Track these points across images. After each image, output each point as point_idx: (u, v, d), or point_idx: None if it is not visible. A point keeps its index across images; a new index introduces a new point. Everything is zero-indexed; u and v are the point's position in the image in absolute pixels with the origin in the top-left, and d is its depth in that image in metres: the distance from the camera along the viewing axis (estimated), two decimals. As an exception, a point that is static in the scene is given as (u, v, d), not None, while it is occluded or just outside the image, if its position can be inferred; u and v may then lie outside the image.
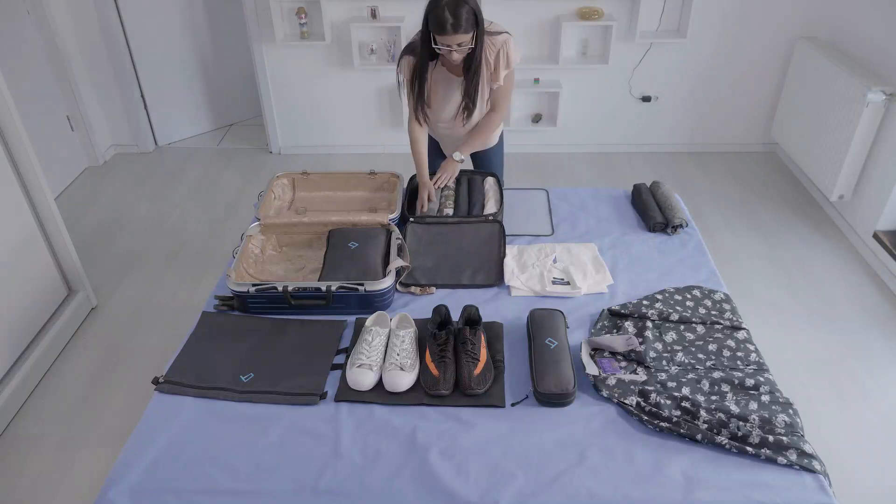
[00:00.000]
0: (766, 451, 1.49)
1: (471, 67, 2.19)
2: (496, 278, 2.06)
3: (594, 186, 3.99)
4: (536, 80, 4.06)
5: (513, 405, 1.64)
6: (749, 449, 1.50)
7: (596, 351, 1.77)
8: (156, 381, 1.69)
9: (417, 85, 2.26)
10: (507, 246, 2.19)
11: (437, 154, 2.67)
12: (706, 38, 3.98)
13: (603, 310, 1.92)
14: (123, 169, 4.30)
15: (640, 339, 1.79)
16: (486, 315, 1.93)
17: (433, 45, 2.10)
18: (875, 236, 3.23)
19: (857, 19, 3.48)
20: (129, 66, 4.18)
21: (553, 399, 1.61)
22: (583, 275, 2.06)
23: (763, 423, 1.53)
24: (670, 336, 1.80)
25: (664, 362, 1.73)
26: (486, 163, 2.65)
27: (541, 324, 1.79)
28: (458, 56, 2.12)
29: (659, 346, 1.77)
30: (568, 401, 1.62)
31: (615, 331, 1.85)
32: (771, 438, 1.50)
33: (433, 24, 2.03)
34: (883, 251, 3.16)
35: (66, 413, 2.53)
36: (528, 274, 2.07)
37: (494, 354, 1.76)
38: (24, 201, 2.65)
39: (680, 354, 1.75)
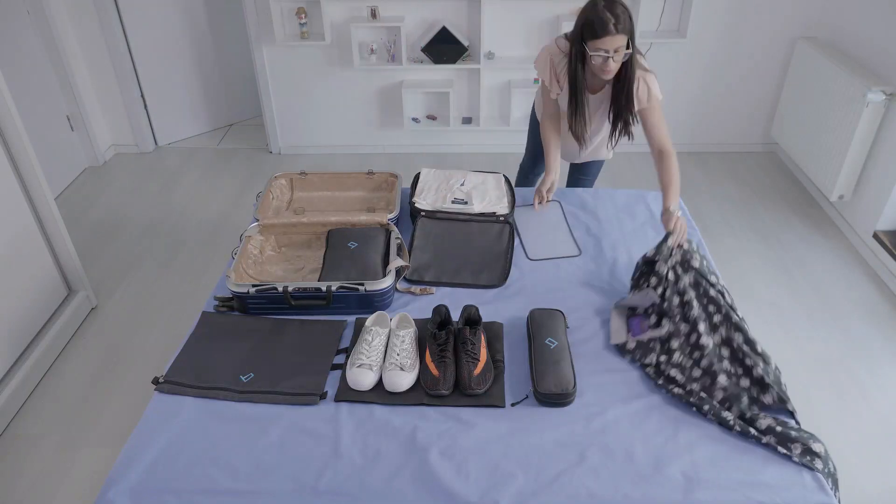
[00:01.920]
0: (770, 439, 1.49)
1: (624, 79, 2.09)
2: (500, 279, 2.06)
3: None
4: (536, 80, 4.06)
5: (513, 405, 1.64)
6: (753, 431, 1.49)
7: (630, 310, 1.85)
8: (156, 381, 1.69)
9: (573, 97, 2.18)
10: (425, 169, 2.50)
11: (542, 154, 2.61)
12: (706, 38, 3.98)
13: (637, 262, 1.97)
14: (123, 169, 4.30)
15: (662, 290, 1.82)
16: (486, 315, 1.93)
17: (590, 54, 2.00)
18: (875, 236, 3.23)
19: (857, 19, 3.48)
20: (129, 66, 4.18)
21: (553, 399, 1.61)
22: (481, 198, 2.32)
23: (777, 411, 1.56)
24: (685, 284, 1.84)
25: (683, 312, 1.78)
26: (587, 169, 2.67)
27: (541, 324, 1.79)
28: (613, 66, 2.00)
29: (676, 299, 1.81)
30: (568, 401, 1.62)
31: (646, 285, 1.88)
32: (779, 428, 1.50)
33: (591, 28, 1.95)
34: (883, 251, 3.16)
35: (66, 413, 2.53)
36: (434, 196, 2.35)
37: (494, 354, 1.76)
38: (24, 201, 2.65)
39: (695, 307, 1.79)
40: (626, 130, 2.24)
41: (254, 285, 1.87)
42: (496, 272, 2.09)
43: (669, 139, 2.21)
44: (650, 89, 2.13)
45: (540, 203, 2.42)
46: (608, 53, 1.98)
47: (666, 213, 2.07)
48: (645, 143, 4.39)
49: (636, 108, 2.16)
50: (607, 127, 2.32)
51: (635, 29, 2.02)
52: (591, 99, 2.26)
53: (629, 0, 3.83)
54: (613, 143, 2.34)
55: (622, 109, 2.18)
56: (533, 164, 2.79)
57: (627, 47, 1.99)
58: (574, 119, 2.23)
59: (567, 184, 2.82)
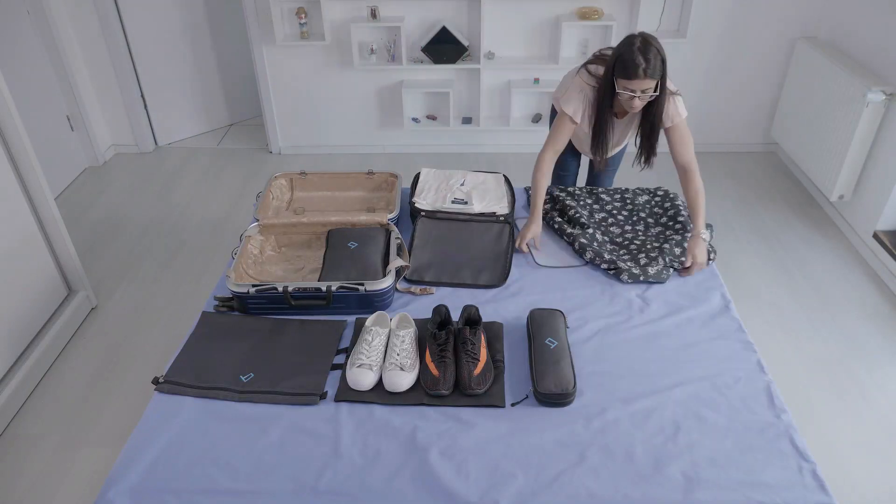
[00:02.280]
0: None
1: (652, 115, 2.15)
2: (500, 279, 2.06)
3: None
4: (536, 80, 4.06)
5: (513, 405, 1.64)
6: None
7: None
8: (156, 381, 1.70)
9: (597, 134, 2.24)
10: (425, 168, 2.51)
11: (567, 152, 2.66)
12: (706, 38, 3.98)
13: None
14: (123, 169, 4.30)
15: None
16: (486, 315, 1.93)
17: (617, 90, 2.06)
18: (875, 236, 3.23)
19: (857, 19, 3.48)
20: (129, 66, 4.18)
21: (553, 399, 1.62)
22: (481, 198, 2.33)
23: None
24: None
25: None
26: (609, 162, 2.68)
27: (541, 324, 1.79)
28: (639, 104, 2.07)
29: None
30: (568, 401, 1.62)
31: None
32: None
33: (622, 66, 2.00)
34: (883, 251, 3.16)
35: (66, 413, 2.53)
36: (434, 196, 2.34)
37: (494, 354, 1.76)
38: (24, 201, 2.65)
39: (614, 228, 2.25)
40: (648, 159, 2.30)
41: (254, 285, 1.87)
42: (496, 272, 2.09)
43: (694, 157, 2.26)
44: (676, 110, 2.18)
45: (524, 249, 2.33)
46: (635, 93, 2.04)
47: (695, 239, 2.11)
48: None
49: (664, 126, 2.21)
50: (626, 135, 2.41)
51: (667, 69, 2.07)
52: (616, 123, 2.33)
53: (630, 4, 3.84)
54: (638, 162, 2.35)
55: (646, 139, 2.25)
56: (559, 166, 2.80)
57: (656, 89, 2.05)
58: (595, 143, 2.28)
59: (587, 181, 2.82)
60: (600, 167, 2.48)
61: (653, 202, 2.41)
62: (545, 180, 2.28)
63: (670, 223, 2.30)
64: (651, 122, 2.19)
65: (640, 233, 2.26)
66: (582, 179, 3.60)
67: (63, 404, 2.56)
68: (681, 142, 2.22)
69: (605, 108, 2.18)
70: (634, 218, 2.34)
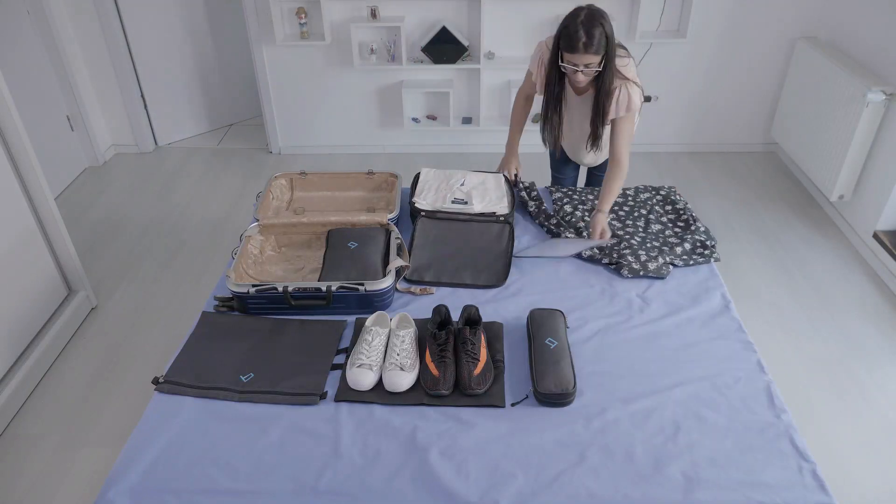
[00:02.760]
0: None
1: (599, 94, 2.14)
2: (500, 279, 2.06)
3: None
4: (536, 80, 4.05)
5: (513, 405, 1.64)
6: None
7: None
8: (156, 381, 1.69)
9: (548, 105, 2.28)
10: (425, 168, 2.51)
11: (563, 162, 2.71)
12: (706, 38, 3.98)
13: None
14: (123, 169, 4.30)
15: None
16: (486, 315, 1.93)
17: (560, 63, 2.08)
18: (875, 236, 3.23)
19: (857, 19, 3.48)
20: (129, 66, 4.18)
21: (553, 399, 1.61)
22: (481, 198, 2.32)
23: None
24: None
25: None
26: (604, 168, 2.67)
27: (541, 324, 1.79)
28: (583, 78, 2.08)
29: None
30: (568, 401, 1.62)
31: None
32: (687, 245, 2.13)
33: (565, 39, 2.01)
34: (883, 251, 3.16)
35: (66, 413, 2.53)
36: (434, 196, 2.34)
37: (494, 354, 1.76)
38: (24, 201, 2.65)
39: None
40: (594, 140, 2.28)
41: (254, 285, 1.87)
42: (496, 272, 2.09)
43: (628, 154, 2.24)
44: (629, 101, 2.15)
45: (513, 176, 2.55)
46: (577, 67, 2.04)
47: (600, 214, 2.19)
48: (648, 144, 4.40)
49: (611, 116, 2.19)
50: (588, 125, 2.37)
51: (613, 44, 2.04)
52: (576, 100, 2.32)
53: (630, 4, 3.84)
54: (588, 148, 2.35)
55: (595, 119, 2.22)
56: (556, 163, 2.80)
57: (600, 65, 2.04)
58: (546, 113, 2.29)
59: (586, 184, 2.83)
60: (555, 147, 2.42)
61: (654, 200, 2.41)
62: (516, 117, 2.55)
63: (670, 222, 2.30)
64: (599, 101, 2.16)
65: (640, 228, 2.27)
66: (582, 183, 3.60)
67: (63, 404, 2.56)
68: (617, 136, 2.22)
69: (553, 77, 2.17)
70: (636, 214, 2.35)
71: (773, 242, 3.45)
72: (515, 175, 2.53)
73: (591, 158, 2.60)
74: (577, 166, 2.75)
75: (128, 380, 2.67)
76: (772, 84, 4.14)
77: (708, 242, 2.16)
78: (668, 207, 2.38)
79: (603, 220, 2.18)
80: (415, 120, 4.28)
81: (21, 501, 2.20)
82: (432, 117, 4.28)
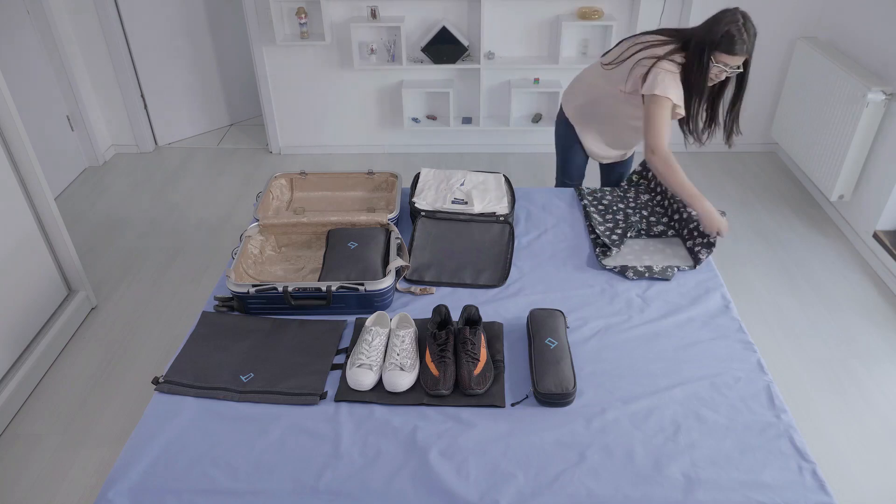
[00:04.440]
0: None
1: (741, 88, 2.24)
2: (500, 279, 2.06)
3: (594, 186, 3.98)
4: (536, 80, 4.06)
5: (513, 405, 1.64)
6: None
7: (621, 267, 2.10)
8: (156, 381, 1.69)
9: (690, 112, 2.24)
10: (425, 168, 2.51)
11: (569, 148, 2.67)
12: (706, 38, 3.98)
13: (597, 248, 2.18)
14: (123, 169, 4.30)
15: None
16: (486, 315, 1.93)
17: (714, 63, 2.11)
18: (875, 236, 3.23)
19: (857, 19, 3.48)
20: (129, 66, 4.18)
21: (553, 399, 1.61)
22: (482, 198, 2.33)
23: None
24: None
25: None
26: (619, 167, 2.71)
27: (541, 324, 1.79)
28: (724, 76, 2.17)
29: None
30: (568, 401, 1.62)
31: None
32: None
33: (728, 42, 2.06)
34: (883, 251, 3.16)
35: (66, 413, 2.53)
36: (434, 196, 2.35)
37: (494, 354, 1.76)
38: (24, 201, 2.65)
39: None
40: (730, 136, 2.35)
41: (254, 285, 1.87)
42: (496, 272, 2.09)
43: (663, 140, 2.25)
44: (656, 80, 2.19)
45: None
46: (732, 68, 2.11)
47: (702, 211, 2.11)
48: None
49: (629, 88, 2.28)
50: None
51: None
52: (631, 101, 2.36)
53: (630, 4, 3.84)
54: (724, 139, 2.41)
55: (733, 115, 2.31)
56: (563, 174, 2.81)
57: (742, 66, 2.14)
58: (689, 121, 2.29)
59: (602, 179, 2.82)
60: (700, 142, 2.38)
61: (653, 202, 2.41)
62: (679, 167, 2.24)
63: (653, 215, 2.33)
64: (739, 97, 2.25)
65: (619, 222, 2.29)
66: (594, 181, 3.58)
67: (63, 404, 2.56)
68: (647, 128, 2.29)
69: (702, 80, 2.18)
70: (614, 208, 2.38)
71: (773, 242, 3.45)
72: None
73: (616, 154, 2.65)
74: (587, 158, 2.74)
75: (128, 380, 2.67)
76: (772, 84, 4.14)
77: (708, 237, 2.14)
78: (647, 197, 2.40)
79: (711, 211, 2.08)
80: (415, 120, 4.28)
81: (21, 501, 2.20)
82: (432, 117, 4.28)
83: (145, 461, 1.50)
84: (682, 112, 2.24)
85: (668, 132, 2.22)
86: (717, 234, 2.08)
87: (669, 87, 2.17)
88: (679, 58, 2.20)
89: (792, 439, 1.54)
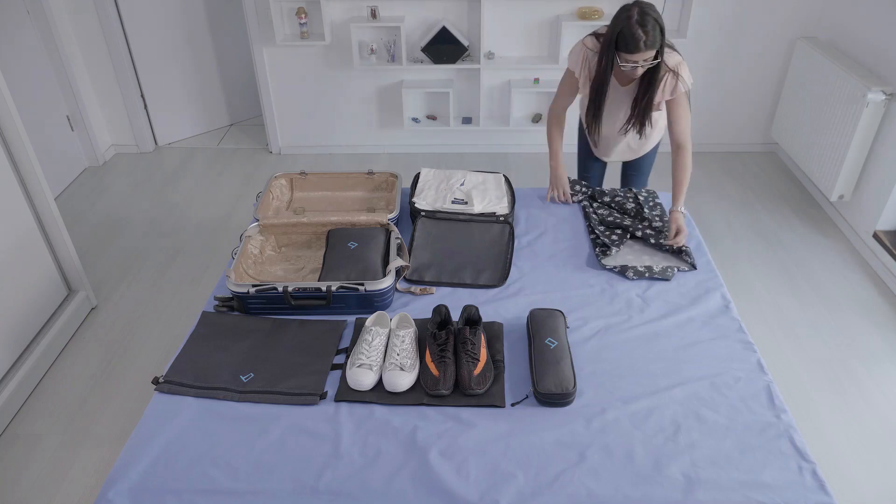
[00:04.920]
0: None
1: (651, 84, 2.17)
2: (500, 279, 2.06)
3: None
4: (536, 81, 4.06)
5: (513, 405, 1.64)
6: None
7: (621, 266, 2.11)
8: (156, 381, 1.70)
9: (594, 96, 2.25)
10: (425, 168, 2.52)
11: (586, 155, 2.72)
12: (706, 38, 3.98)
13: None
14: (123, 169, 4.30)
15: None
16: (486, 315, 1.93)
17: (620, 63, 2.09)
18: (875, 236, 3.23)
19: (857, 19, 3.48)
20: (129, 66, 4.18)
21: (553, 399, 1.61)
22: (482, 198, 2.33)
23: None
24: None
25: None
26: (638, 165, 2.69)
27: (541, 324, 1.79)
28: (641, 70, 2.11)
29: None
30: (568, 401, 1.62)
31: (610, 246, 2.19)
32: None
33: (623, 41, 2.02)
34: (883, 251, 3.16)
35: (66, 413, 2.53)
36: (434, 196, 2.35)
37: (494, 354, 1.76)
38: (24, 201, 2.65)
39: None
40: (641, 127, 2.31)
41: (254, 285, 1.87)
42: (496, 272, 2.09)
43: (689, 134, 2.28)
44: (677, 83, 2.19)
45: (562, 200, 2.46)
46: (637, 64, 2.07)
47: (675, 214, 2.19)
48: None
49: (663, 98, 2.23)
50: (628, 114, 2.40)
51: (664, 31, 2.07)
52: (621, 91, 2.33)
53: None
54: (625, 130, 2.38)
55: (642, 108, 2.25)
56: (584, 161, 2.83)
57: (655, 57, 2.08)
58: (592, 109, 2.30)
59: (621, 182, 2.83)
60: (594, 141, 2.48)
61: (644, 208, 2.39)
62: (556, 130, 2.46)
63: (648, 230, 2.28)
64: (647, 91, 2.20)
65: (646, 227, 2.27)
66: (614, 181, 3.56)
67: (63, 404, 2.56)
68: (676, 117, 2.26)
69: (605, 77, 2.19)
70: (611, 217, 2.35)
71: (773, 242, 3.45)
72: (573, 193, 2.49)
73: (620, 155, 2.63)
74: (605, 164, 2.76)
75: (128, 380, 2.67)
76: (772, 84, 4.14)
77: (684, 248, 2.16)
78: (657, 210, 2.36)
79: (680, 219, 2.17)
80: (415, 120, 4.28)
81: (21, 501, 2.20)
82: (432, 117, 4.28)
83: (145, 461, 1.50)
84: (577, 77, 2.31)
85: (561, 96, 2.41)
86: (560, 197, 2.36)
87: (571, 54, 2.30)
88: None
89: (792, 439, 1.54)
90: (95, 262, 3.39)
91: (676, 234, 2.15)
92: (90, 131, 4.21)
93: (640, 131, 2.32)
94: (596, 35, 2.24)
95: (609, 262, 2.12)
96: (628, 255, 2.16)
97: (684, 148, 2.27)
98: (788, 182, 4.02)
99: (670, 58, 2.17)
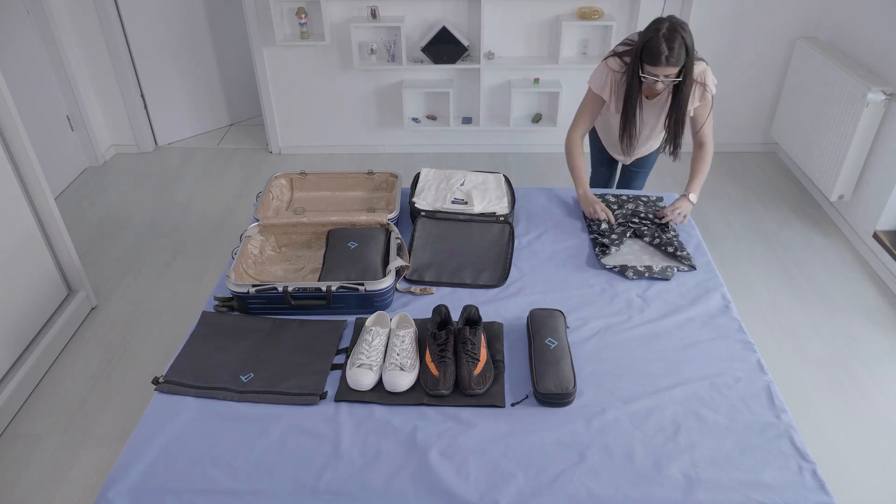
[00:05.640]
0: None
1: (678, 101, 2.20)
2: (500, 279, 2.06)
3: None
4: (536, 80, 4.06)
5: (513, 405, 1.64)
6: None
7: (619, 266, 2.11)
8: (156, 381, 1.70)
9: (625, 116, 2.26)
10: (425, 168, 2.51)
11: (599, 161, 2.75)
12: (706, 38, 3.98)
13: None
14: (123, 169, 4.30)
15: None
16: (486, 315, 1.93)
17: (640, 74, 2.11)
18: (875, 236, 3.23)
19: (857, 19, 3.48)
20: (129, 66, 4.18)
21: (553, 399, 1.62)
22: (482, 198, 2.33)
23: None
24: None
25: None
26: (643, 163, 2.72)
27: (541, 324, 1.79)
28: (662, 87, 2.13)
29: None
30: (568, 401, 1.62)
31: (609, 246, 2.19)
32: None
33: (647, 53, 2.04)
34: (883, 251, 3.16)
35: (66, 413, 2.53)
36: (434, 196, 2.35)
37: (494, 354, 1.76)
38: (24, 201, 2.65)
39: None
40: (674, 150, 2.34)
41: (254, 285, 1.87)
42: (496, 272, 2.09)
43: (712, 135, 2.37)
44: (704, 91, 2.25)
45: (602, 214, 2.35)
46: (658, 78, 2.09)
47: (684, 198, 2.32)
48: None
49: (692, 108, 2.29)
50: (657, 124, 2.44)
51: (693, 54, 2.09)
52: (646, 103, 2.35)
53: (630, 4, 3.84)
54: (664, 150, 2.44)
55: (672, 126, 2.27)
56: (594, 162, 2.85)
57: (679, 75, 2.10)
58: (624, 126, 2.30)
59: (618, 183, 2.83)
60: (628, 154, 2.48)
61: (640, 210, 2.38)
62: (581, 158, 2.41)
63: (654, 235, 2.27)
64: (677, 109, 2.22)
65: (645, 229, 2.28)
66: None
67: (63, 404, 2.56)
68: (699, 119, 2.33)
69: (633, 90, 2.20)
70: (619, 225, 2.32)
71: (773, 242, 3.45)
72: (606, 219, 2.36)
73: (637, 154, 2.65)
74: (613, 166, 2.76)
75: (128, 380, 2.67)
76: (772, 84, 4.14)
77: (679, 253, 2.15)
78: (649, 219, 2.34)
79: (688, 206, 2.31)
80: (415, 120, 4.28)
81: (21, 501, 2.20)
82: (432, 117, 4.28)
83: (145, 461, 1.50)
84: (605, 101, 2.31)
85: (583, 122, 2.38)
86: (595, 215, 2.28)
87: (596, 78, 2.29)
88: (629, 58, 2.21)
89: (792, 439, 1.54)
90: (95, 262, 3.39)
91: (675, 211, 2.27)
92: (90, 131, 4.21)
93: (675, 151, 2.34)
94: (618, 55, 2.24)
95: (609, 261, 2.12)
96: (628, 254, 2.16)
97: (707, 146, 2.37)
98: (788, 182, 4.02)
99: (696, 67, 2.20)
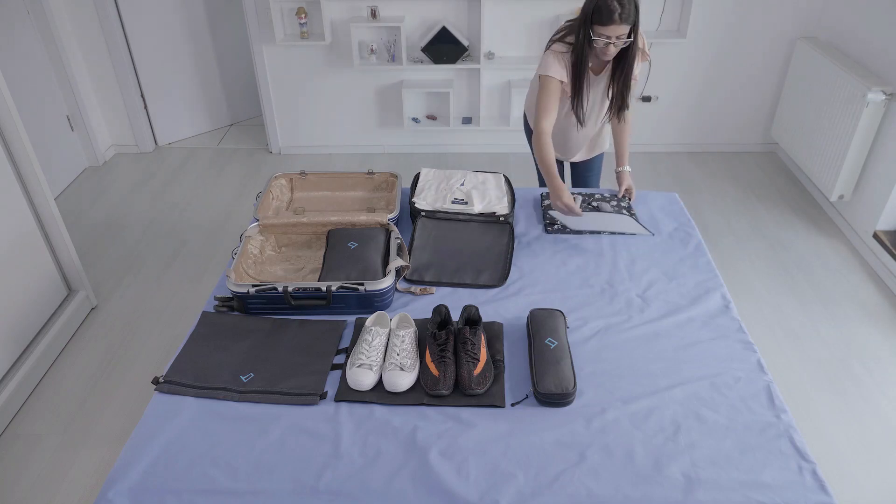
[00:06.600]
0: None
1: (624, 63, 2.22)
2: (500, 279, 2.06)
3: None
4: (536, 80, 4.06)
5: (513, 405, 1.64)
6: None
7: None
8: (156, 381, 1.69)
9: (576, 89, 2.27)
10: (425, 168, 2.52)
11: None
12: (706, 38, 3.98)
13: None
14: (123, 169, 4.30)
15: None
16: (486, 315, 1.93)
17: (593, 37, 2.11)
18: (875, 236, 3.23)
19: (857, 19, 3.48)
20: (129, 66, 4.18)
21: (553, 399, 1.61)
22: (481, 198, 2.34)
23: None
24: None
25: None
26: (591, 166, 2.74)
27: (541, 324, 1.79)
28: (613, 50, 2.14)
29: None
30: (568, 401, 1.62)
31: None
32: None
33: (598, 13, 2.06)
34: (883, 251, 3.16)
35: (66, 413, 2.53)
36: (434, 196, 2.35)
37: (494, 354, 1.76)
38: (24, 201, 2.65)
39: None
40: (620, 111, 2.38)
41: (254, 285, 1.87)
42: (496, 272, 2.09)
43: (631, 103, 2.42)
44: (644, 56, 2.32)
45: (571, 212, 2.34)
46: (610, 39, 2.09)
47: (624, 173, 2.48)
48: (648, 144, 4.39)
49: (636, 70, 2.31)
50: (604, 109, 2.46)
51: (639, 19, 2.13)
52: (593, 79, 2.35)
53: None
54: (608, 118, 2.47)
55: (619, 90, 2.31)
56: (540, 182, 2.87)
57: (629, 35, 2.10)
58: (576, 99, 2.32)
59: (572, 184, 2.84)
60: (580, 126, 2.46)
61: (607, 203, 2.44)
62: (549, 149, 2.29)
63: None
64: (623, 71, 2.24)
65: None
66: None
67: (63, 404, 2.56)
68: (636, 86, 2.45)
69: (582, 58, 2.21)
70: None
71: (773, 242, 3.45)
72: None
73: (582, 154, 2.66)
74: (560, 168, 2.74)
75: (128, 380, 2.67)
76: (772, 84, 4.14)
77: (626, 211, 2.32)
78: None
79: (629, 178, 2.47)
80: (415, 120, 4.28)
81: (21, 501, 2.20)
82: (432, 117, 4.28)
83: (145, 461, 1.50)
84: (564, 81, 2.29)
85: (550, 112, 2.29)
86: (570, 210, 2.22)
87: (550, 65, 2.26)
88: (570, 38, 2.22)
89: (792, 439, 1.54)
90: (95, 262, 3.39)
91: (627, 192, 2.41)
92: (90, 131, 4.21)
93: (620, 113, 2.37)
94: (558, 41, 2.26)
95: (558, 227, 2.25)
96: (580, 224, 2.25)
97: (628, 119, 2.48)
98: (788, 182, 4.02)
99: (640, 38, 2.25)
